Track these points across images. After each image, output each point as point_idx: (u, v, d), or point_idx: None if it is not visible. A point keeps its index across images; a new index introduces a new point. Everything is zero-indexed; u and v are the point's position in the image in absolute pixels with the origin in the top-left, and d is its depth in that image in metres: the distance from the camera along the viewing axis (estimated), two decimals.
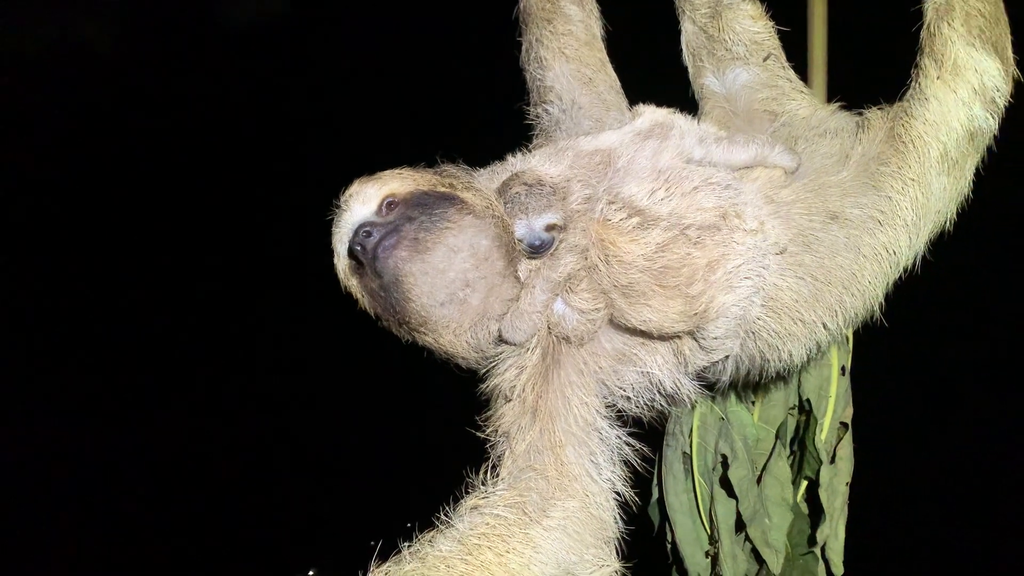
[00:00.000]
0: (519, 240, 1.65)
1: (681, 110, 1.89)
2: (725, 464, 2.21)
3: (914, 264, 1.92)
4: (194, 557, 5.79)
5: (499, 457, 1.66)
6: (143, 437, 5.79)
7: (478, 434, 1.72)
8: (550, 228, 1.64)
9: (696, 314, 1.63)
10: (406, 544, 1.54)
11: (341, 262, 1.67)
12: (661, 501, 2.38)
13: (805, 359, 1.88)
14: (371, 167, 1.80)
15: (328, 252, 1.82)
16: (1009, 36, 1.89)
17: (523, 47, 2.19)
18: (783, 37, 2.22)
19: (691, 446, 2.28)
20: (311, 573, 6.28)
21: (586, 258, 1.65)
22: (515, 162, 1.82)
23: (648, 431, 1.81)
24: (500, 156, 1.92)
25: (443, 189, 1.64)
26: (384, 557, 1.55)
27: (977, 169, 1.91)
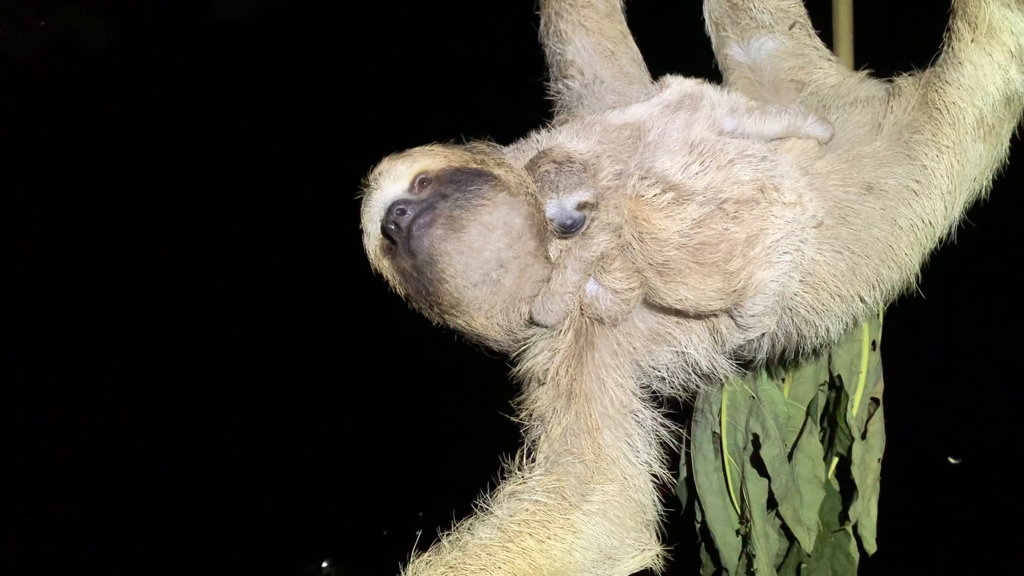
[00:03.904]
0: (550, 219, 1.60)
1: (709, 81, 1.84)
2: (756, 443, 2.17)
3: (949, 233, 1.87)
4: (208, 547, 5.80)
5: (534, 441, 1.63)
6: (158, 425, 5.78)
7: (511, 418, 1.68)
8: (582, 206, 1.59)
9: (735, 291, 1.59)
10: (445, 533, 1.49)
11: (372, 241, 1.62)
12: (689, 480, 2.35)
13: (842, 334, 1.84)
14: (387, 149, 1.75)
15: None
16: None
17: (542, 21, 2.13)
18: (808, 4, 2.16)
19: (721, 425, 2.24)
20: (324, 564, 6.30)
21: (619, 236, 1.60)
22: (541, 139, 1.76)
23: (676, 411, 1.78)
24: (519, 135, 1.86)
25: (475, 165, 1.59)
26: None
27: (1013, 134, 1.86)
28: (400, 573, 1.44)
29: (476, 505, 1.55)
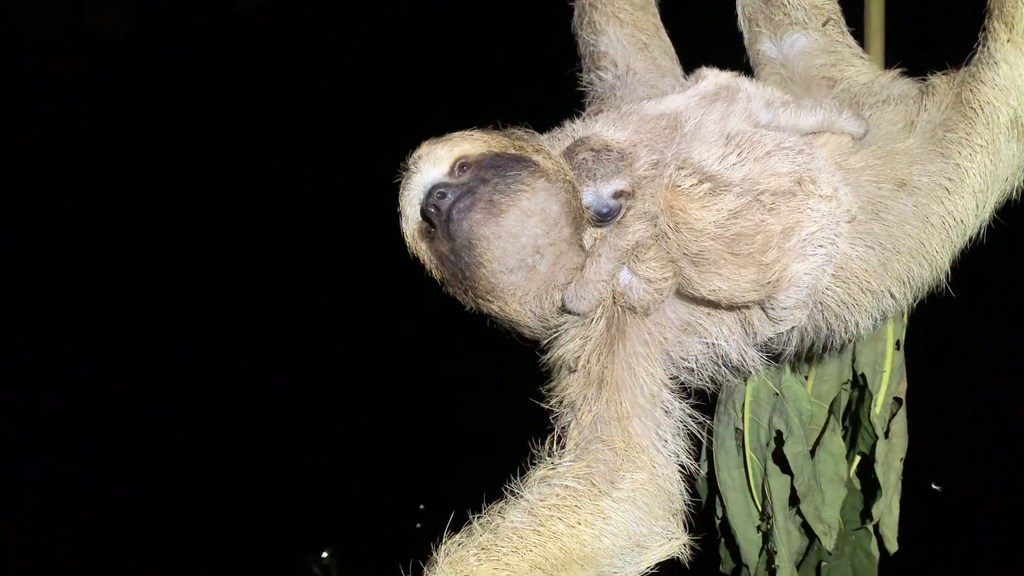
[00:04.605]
0: (586, 207, 1.61)
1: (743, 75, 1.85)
2: (779, 440, 2.17)
3: (979, 233, 1.87)
4: (211, 537, 5.81)
5: (564, 428, 1.64)
6: (161, 415, 5.79)
7: (541, 404, 1.69)
8: (618, 195, 1.60)
9: (769, 283, 1.59)
10: (476, 516, 1.50)
11: (411, 224, 1.62)
12: (711, 476, 2.35)
13: (870, 329, 1.84)
14: (417, 137, 1.75)
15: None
16: None
17: (575, 12, 2.14)
18: (840, 2, 2.16)
19: (743, 422, 2.24)
20: (324, 554, 6.31)
21: (654, 225, 1.60)
22: (576, 127, 1.77)
23: (700, 405, 1.78)
24: (550, 125, 1.87)
25: (514, 151, 1.60)
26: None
27: None
28: (432, 553, 1.44)
29: (506, 489, 1.56)
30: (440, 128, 1.75)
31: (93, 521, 5.73)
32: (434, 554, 1.44)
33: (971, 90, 1.81)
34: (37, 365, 5.66)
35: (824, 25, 2.10)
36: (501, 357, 1.81)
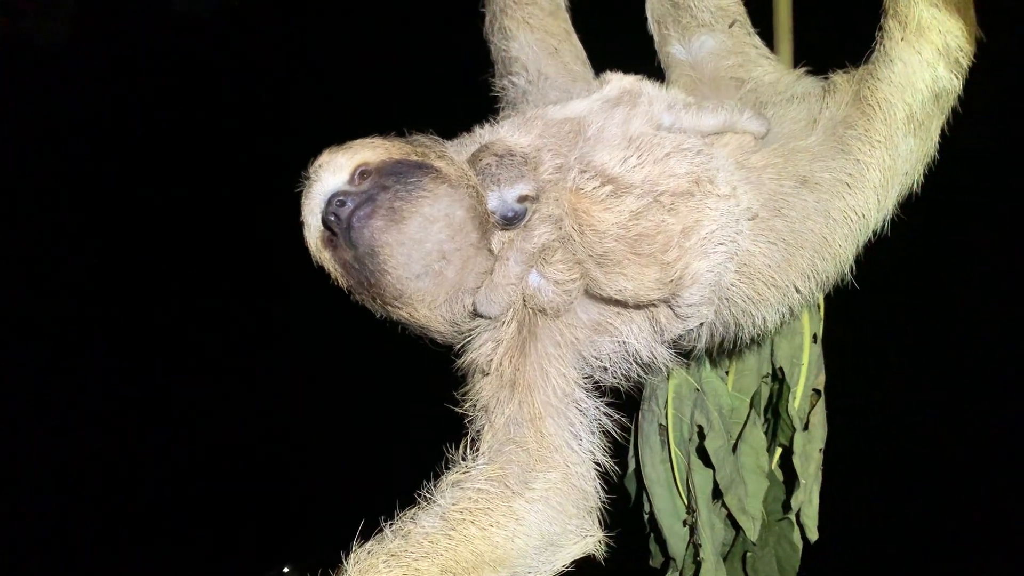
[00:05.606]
0: (492, 212, 1.62)
1: (648, 78, 1.87)
2: (701, 434, 2.21)
3: (883, 227, 1.92)
4: (170, 552, 5.73)
5: (478, 431, 1.65)
6: (114, 432, 5.69)
7: (456, 409, 1.70)
8: (522, 199, 1.62)
9: (671, 281, 1.62)
10: (388, 523, 1.50)
11: (313, 233, 1.62)
12: (638, 472, 2.38)
13: (779, 323, 1.88)
14: (329, 143, 1.75)
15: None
16: None
17: (487, 18, 2.16)
18: (748, 3, 2.21)
19: (667, 418, 2.28)
20: (285, 570, 6.25)
21: (560, 228, 1.62)
22: (483, 133, 1.79)
23: (623, 402, 1.80)
24: (465, 130, 1.88)
25: (416, 158, 1.60)
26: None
27: (943, 132, 1.91)
28: (342, 563, 1.44)
29: (420, 495, 1.56)
30: (351, 135, 1.76)
31: (52, 536, 5.62)
32: (344, 562, 1.43)
33: (869, 88, 1.87)
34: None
35: (730, 27, 2.14)
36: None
